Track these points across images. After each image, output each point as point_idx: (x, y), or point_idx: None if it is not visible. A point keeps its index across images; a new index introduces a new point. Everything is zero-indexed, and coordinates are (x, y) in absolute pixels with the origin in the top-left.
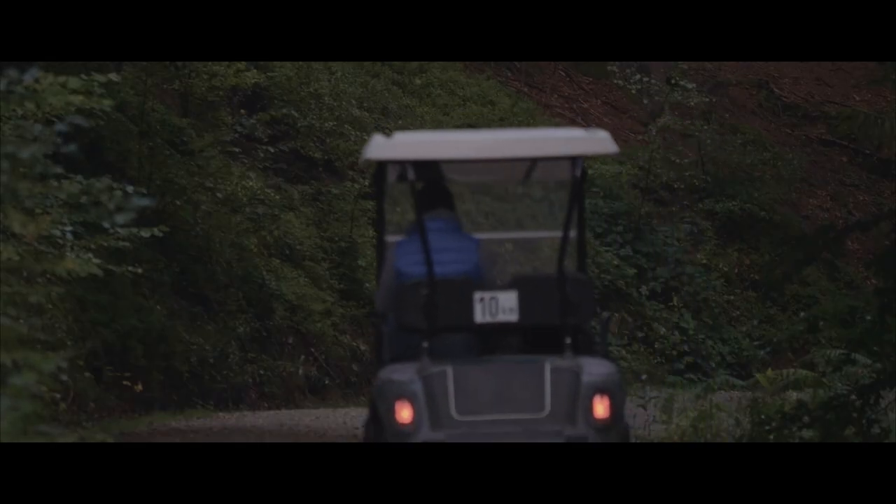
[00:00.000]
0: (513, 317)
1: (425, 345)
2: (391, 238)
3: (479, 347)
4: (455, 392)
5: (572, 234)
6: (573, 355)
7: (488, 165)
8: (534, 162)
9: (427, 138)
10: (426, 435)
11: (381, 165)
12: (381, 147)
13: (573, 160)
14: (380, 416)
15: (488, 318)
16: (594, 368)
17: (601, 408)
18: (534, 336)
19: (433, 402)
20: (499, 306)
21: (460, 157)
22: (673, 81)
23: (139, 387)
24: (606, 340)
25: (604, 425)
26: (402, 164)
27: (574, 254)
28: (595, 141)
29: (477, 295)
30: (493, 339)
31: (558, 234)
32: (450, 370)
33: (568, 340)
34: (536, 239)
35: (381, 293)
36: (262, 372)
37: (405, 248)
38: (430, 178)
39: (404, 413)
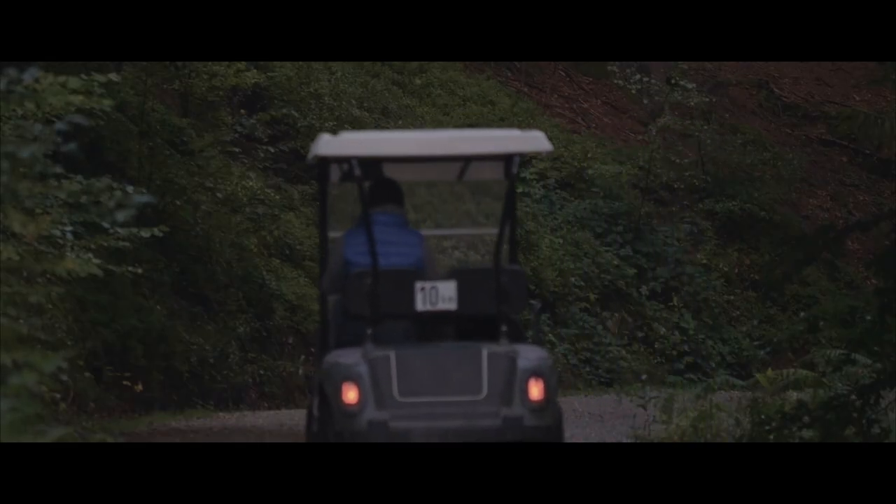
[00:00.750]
0: (452, 305)
1: (369, 331)
2: (333, 234)
3: (418, 335)
4: (398, 375)
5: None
6: (508, 342)
7: (426, 164)
8: (467, 161)
9: (371, 136)
10: (371, 414)
11: (325, 163)
12: (328, 144)
13: (508, 159)
14: (327, 396)
15: (429, 307)
16: (529, 354)
17: (536, 390)
18: (468, 325)
19: (377, 384)
20: (439, 296)
21: (402, 153)
22: (673, 81)
23: (139, 387)
24: (539, 328)
25: (538, 406)
26: (348, 160)
27: (506, 247)
28: (528, 140)
29: (418, 285)
30: (430, 327)
31: (494, 230)
32: (393, 355)
33: (504, 328)
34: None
35: (326, 279)
36: (262, 372)
37: (353, 239)
38: (376, 174)
39: (351, 394)
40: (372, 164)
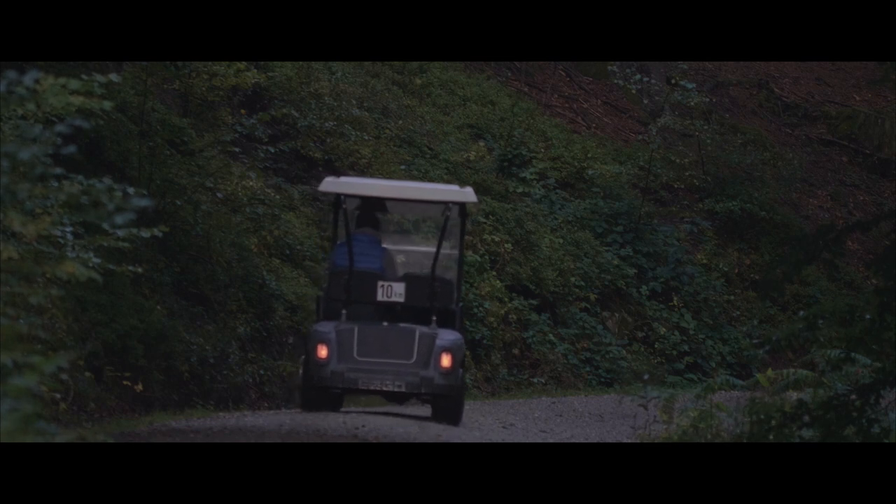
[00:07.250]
0: (401, 299)
1: (344, 311)
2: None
3: (380, 316)
4: (357, 341)
5: (451, 251)
6: (435, 327)
7: (407, 205)
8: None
9: (360, 181)
10: (334, 366)
11: (339, 196)
12: (330, 184)
13: (447, 206)
14: (308, 353)
15: (385, 298)
16: (446, 336)
17: (446, 360)
18: (417, 314)
19: (342, 347)
20: (393, 291)
21: (376, 195)
22: (673, 81)
23: (139, 387)
24: (462, 320)
25: (446, 371)
26: (342, 196)
27: (454, 264)
28: (461, 193)
29: (379, 283)
30: (391, 312)
31: (447, 251)
32: (356, 327)
33: (434, 317)
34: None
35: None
36: (262, 372)
37: (339, 249)
38: (365, 206)
39: (322, 351)
40: (363, 200)
